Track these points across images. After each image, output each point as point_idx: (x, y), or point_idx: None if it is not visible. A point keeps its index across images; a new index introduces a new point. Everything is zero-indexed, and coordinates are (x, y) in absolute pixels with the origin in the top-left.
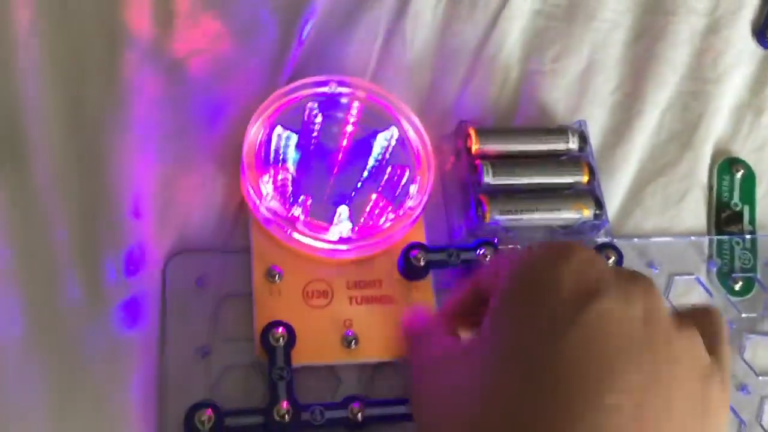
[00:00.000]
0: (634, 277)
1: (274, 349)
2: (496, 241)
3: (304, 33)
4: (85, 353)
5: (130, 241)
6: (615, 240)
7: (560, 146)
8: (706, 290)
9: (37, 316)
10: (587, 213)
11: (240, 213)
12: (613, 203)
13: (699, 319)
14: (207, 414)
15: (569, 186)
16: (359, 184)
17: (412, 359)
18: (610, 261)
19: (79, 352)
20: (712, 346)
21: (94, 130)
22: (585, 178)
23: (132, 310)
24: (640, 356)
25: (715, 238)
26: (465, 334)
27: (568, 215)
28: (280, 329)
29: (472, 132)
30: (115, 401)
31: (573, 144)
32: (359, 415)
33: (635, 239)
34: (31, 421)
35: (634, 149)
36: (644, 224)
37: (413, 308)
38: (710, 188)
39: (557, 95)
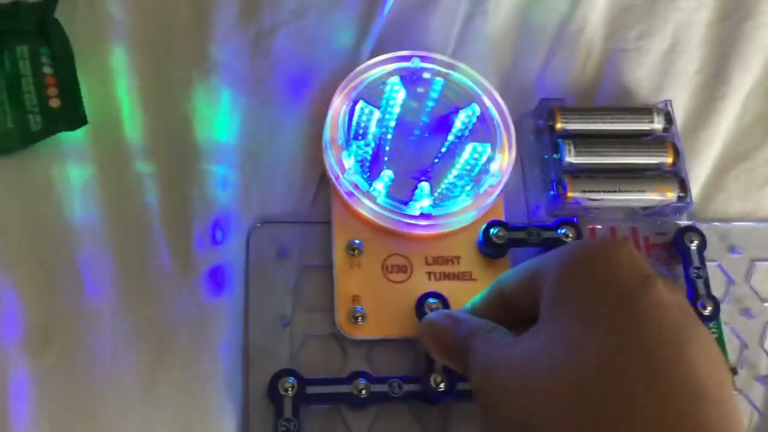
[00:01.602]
0: (669, 278)
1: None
2: (576, 220)
3: (387, 8)
4: (174, 318)
5: (217, 210)
6: (696, 223)
7: (644, 126)
8: None
9: (129, 279)
10: (671, 195)
11: (321, 185)
12: (695, 186)
13: None
14: (290, 382)
15: (653, 167)
16: (439, 161)
17: (471, 362)
18: (693, 244)
19: (168, 316)
20: None
21: (182, 100)
22: (670, 160)
23: (218, 277)
24: (692, 337)
25: None
26: None
27: (651, 197)
28: (434, 300)
29: (555, 110)
30: (202, 365)
31: (658, 124)
32: (441, 385)
33: (717, 223)
34: (123, 383)
35: (717, 132)
36: (726, 208)
37: (428, 319)
38: None
39: (640, 74)
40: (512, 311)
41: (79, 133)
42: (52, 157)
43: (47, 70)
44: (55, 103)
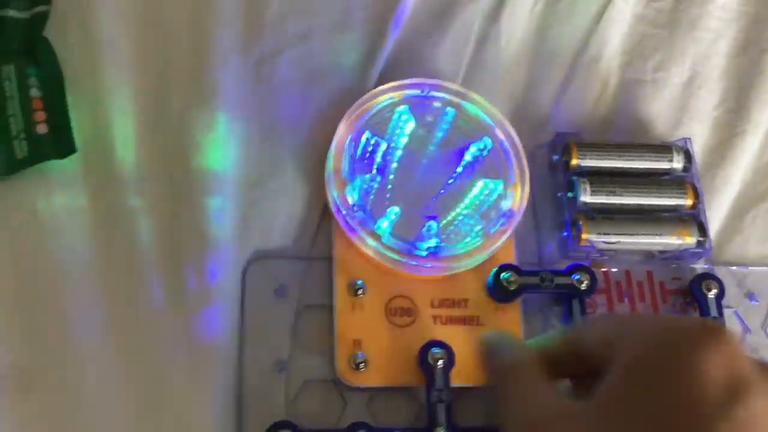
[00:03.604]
0: None
1: (433, 369)
2: (589, 263)
3: (395, 31)
4: (165, 360)
5: (212, 245)
6: (713, 267)
7: (664, 165)
8: None
9: (117, 318)
10: (690, 240)
11: (323, 220)
12: (711, 227)
13: None
14: None
15: (671, 208)
16: (448, 197)
17: (507, 408)
18: (711, 292)
19: (159, 359)
20: None
21: (179, 128)
22: (689, 202)
23: (212, 316)
24: None
25: None
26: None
27: (669, 241)
28: (438, 350)
29: (572, 145)
30: (194, 411)
31: (677, 163)
32: None
33: (734, 267)
34: (111, 425)
35: (736, 171)
36: (744, 251)
37: (492, 337)
38: None
39: (657, 107)
40: (580, 362)
41: (68, 162)
42: (39, 187)
43: (35, 92)
44: (42, 128)
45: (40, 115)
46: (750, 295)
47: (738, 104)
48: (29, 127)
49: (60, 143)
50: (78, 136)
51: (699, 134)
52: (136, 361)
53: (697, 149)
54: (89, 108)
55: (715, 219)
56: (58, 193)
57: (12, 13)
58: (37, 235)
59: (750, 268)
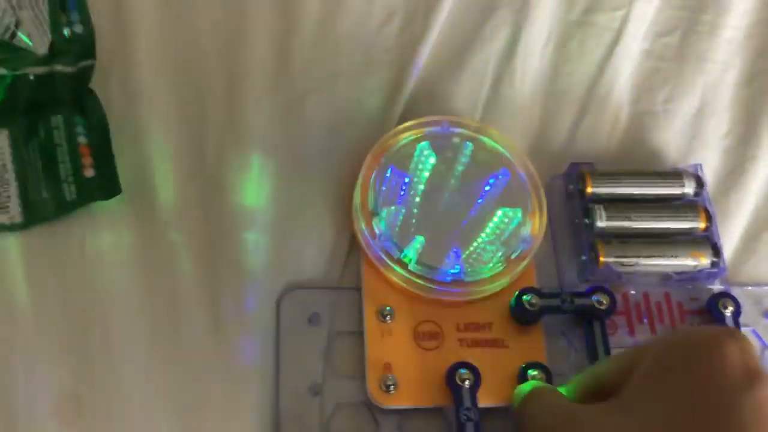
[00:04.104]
0: None
1: (460, 389)
2: (608, 286)
3: (415, 73)
4: (205, 386)
5: (248, 277)
6: (730, 288)
7: (676, 190)
8: None
9: (160, 347)
10: (704, 261)
11: (351, 251)
12: (726, 249)
13: None
14: None
15: (685, 231)
16: (470, 226)
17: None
18: (728, 311)
19: (199, 385)
20: None
21: (214, 168)
22: (702, 225)
23: (249, 344)
24: None
25: None
26: None
27: (684, 262)
28: (465, 370)
29: (586, 174)
30: None
31: (689, 188)
32: None
33: (750, 287)
34: None
35: (748, 195)
36: (759, 271)
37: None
38: None
39: (668, 137)
40: (603, 396)
41: (113, 202)
42: (86, 226)
43: (82, 139)
44: (89, 172)
45: (87, 160)
46: (766, 314)
47: (748, 131)
48: (77, 171)
49: (106, 185)
50: (121, 178)
51: (710, 161)
52: (178, 387)
53: (710, 175)
54: (132, 152)
55: (730, 241)
56: (105, 232)
57: (60, 67)
58: (85, 271)
59: (765, 287)
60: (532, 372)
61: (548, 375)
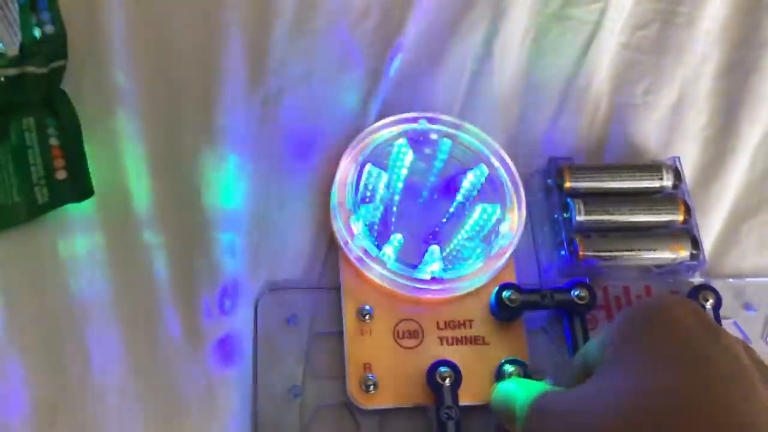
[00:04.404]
0: None
1: (441, 387)
2: (587, 280)
3: (392, 69)
4: (183, 391)
5: (225, 278)
6: (710, 280)
7: (654, 183)
8: None
9: (137, 352)
10: (684, 253)
11: (330, 251)
12: (707, 241)
13: None
14: None
15: (664, 225)
16: (449, 222)
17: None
18: (708, 303)
19: (177, 390)
20: None
21: (190, 168)
22: (681, 217)
23: (226, 348)
24: (761, 382)
25: None
26: None
27: (663, 255)
28: (445, 368)
29: (564, 169)
30: None
31: (667, 181)
32: None
33: (730, 279)
34: None
35: (728, 186)
36: (740, 263)
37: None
38: None
39: (648, 129)
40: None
41: (86, 204)
42: (59, 229)
43: (54, 141)
44: (61, 174)
45: (59, 162)
46: (747, 306)
47: (727, 122)
48: (49, 173)
49: (78, 187)
50: (95, 180)
51: (690, 153)
52: (155, 390)
53: (689, 167)
54: (105, 153)
55: (711, 233)
56: (78, 234)
57: (31, 69)
58: (59, 275)
59: (747, 279)
60: (509, 368)
61: (525, 369)
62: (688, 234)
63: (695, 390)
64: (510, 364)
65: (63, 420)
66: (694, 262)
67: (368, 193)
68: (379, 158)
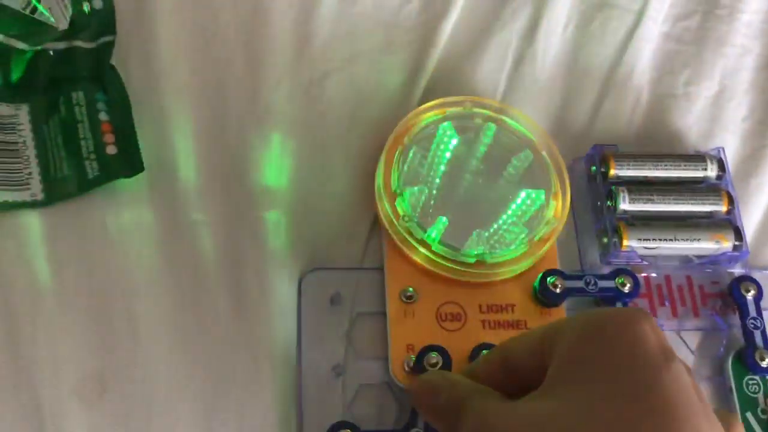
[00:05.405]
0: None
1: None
2: (630, 269)
3: (437, 52)
4: (229, 369)
5: (270, 257)
6: (751, 271)
7: (698, 173)
8: None
9: (185, 325)
10: (727, 244)
11: (374, 231)
12: (748, 233)
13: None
14: None
15: (707, 215)
16: (493, 207)
17: (462, 423)
18: (750, 294)
19: (222, 366)
20: None
21: (236, 147)
22: (724, 208)
23: (271, 324)
24: (704, 418)
25: None
26: None
27: (706, 245)
28: (434, 354)
29: (609, 156)
30: (257, 414)
31: (711, 171)
32: None
33: None
34: (180, 426)
35: None
36: None
37: (428, 380)
38: None
39: (689, 120)
40: (513, 378)
41: (135, 180)
42: (108, 204)
43: (103, 116)
44: (111, 149)
45: (109, 137)
46: None
47: (767, 114)
48: (99, 148)
49: (128, 163)
50: (144, 156)
51: (731, 144)
52: (201, 366)
53: (730, 158)
54: (153, 129)
55: (752, 225)
56: (127, 209)
57: (80, 43)
58: (108, 249)
59: None
60: (485, 352)
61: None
62: (731, 224)
63: (640, 428)
64: (487, 348)
65: (111, 391)
66: (737, 253)
67: (413, 176)
68: (424, 141)
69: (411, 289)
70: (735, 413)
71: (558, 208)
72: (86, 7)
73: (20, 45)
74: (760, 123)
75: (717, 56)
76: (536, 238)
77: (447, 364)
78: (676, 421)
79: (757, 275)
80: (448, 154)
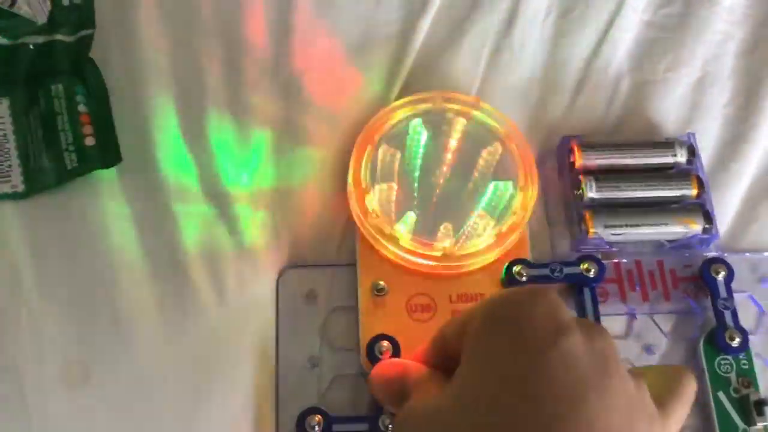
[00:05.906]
0: (594, 324)
1: (380, 361)
2: (599, 256)
3: (414, 50)
4: (209, 355)
5: (248, 251)
6: (725, 254)
7: (668, 159)
8: None
9: (165, 314)
10: (696, 227)
11: (348, 228)
12: (727, 218)
13: (663, 373)
14: (317, 419)
15: (677, 199)
16: (463, 200)
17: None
18: (720, 275)
19: (203, 357)
20: (664, 399)
21: (214, 142)
22: (694, 192)
23: (250, 318)
24: (593, 391)
25: None
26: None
27: (675, 229)
28: (385, 342)
29: (575, 147)
30: (237, 402)
31: (681, 157)
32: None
33: (747, 254)
34: (162, 417)
35: (748, 163)
36: (759, 239)
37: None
38: None
39: (668, 107)
40: (451, 359)
41: (114, 171)
42: (88, 194)
43: (82, 108)
44: (90, 141)
45: (88, 129)
46: (763, 280)
47: (748, 100)
48: (78, 139)
49: (106, 154)
50: (122, 148)
51: (711, 129)
52: (184, 352)
53: (710, 144)
54: (132, 121)
55: (730, 209)
56: (106, 200)
57: (60, 37)
58: (87, 239)
59: (763, 254)
60: None
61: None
62: (701, 208)
63: (515, 415)
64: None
65: (94, 377)
66: (707, 236)
67: (384, 173)
68: (396, 138)
69: (382, 282)
70: (683, 366)
71: (526, 199)
72: (65, 1)
73: (0, 39)
74: (741, 108)
75: (698, 42)
76: (504, 229)
77: (397, 352)
78: (561, 402)
79: (733, 258)
80: (419, 150)
